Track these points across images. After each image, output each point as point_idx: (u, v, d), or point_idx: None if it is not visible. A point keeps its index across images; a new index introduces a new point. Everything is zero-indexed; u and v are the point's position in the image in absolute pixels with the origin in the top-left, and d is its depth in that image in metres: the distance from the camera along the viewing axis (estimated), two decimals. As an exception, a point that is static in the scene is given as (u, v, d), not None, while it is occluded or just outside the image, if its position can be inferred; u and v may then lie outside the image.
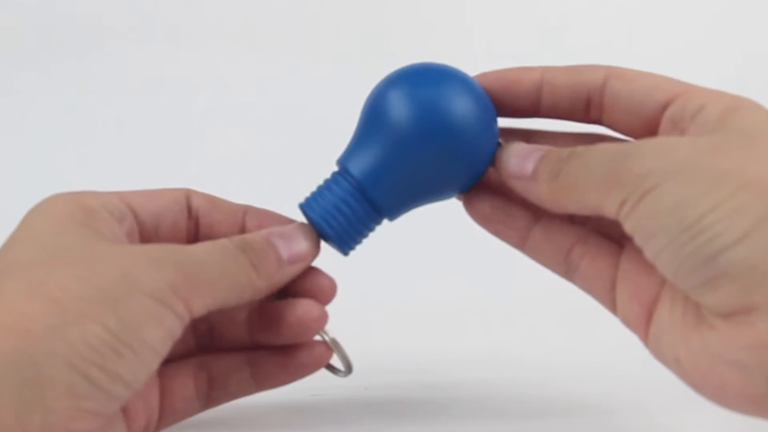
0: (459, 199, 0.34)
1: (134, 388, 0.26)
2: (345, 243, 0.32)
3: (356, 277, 0.33)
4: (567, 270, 0.32)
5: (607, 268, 0.31)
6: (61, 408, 0.24)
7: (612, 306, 0.31)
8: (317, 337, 0.33)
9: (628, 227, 0.27)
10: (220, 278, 0.29)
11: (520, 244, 0.33)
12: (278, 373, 0.33)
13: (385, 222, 0.32)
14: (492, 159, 0.32)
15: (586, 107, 0.31)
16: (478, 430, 0.34)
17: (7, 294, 0.26)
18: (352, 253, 0.33)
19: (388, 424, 0.34)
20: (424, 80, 0.31)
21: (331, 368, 0.34)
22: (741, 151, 0.26)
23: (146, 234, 0.32)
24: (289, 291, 0.32)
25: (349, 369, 0.34)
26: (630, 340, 0.30)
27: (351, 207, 0.31)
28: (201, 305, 0.28)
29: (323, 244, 0.32)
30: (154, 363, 0.27)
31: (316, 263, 0.32)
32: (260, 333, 0.33)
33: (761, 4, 0.82)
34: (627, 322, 0.30)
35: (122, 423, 0.29)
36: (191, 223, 0.33)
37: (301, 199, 0.32)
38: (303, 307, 0.32)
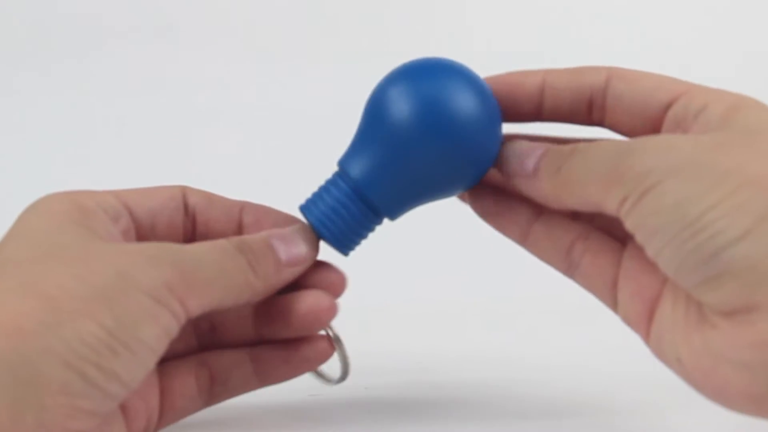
0: (459, 196, 0.34)
1: (131, 387, 0.26)
2: (343, 245, 0.32)
3: (356, 277, 0.33)
4: (568, 267, 0.32)
5: (608, 266, 0.31)
6: (56, 407, 0.24)
7: (613, 304, 0.31)
8: (321, 333, 0.33)
9: (629, 225, 0.27)
10: (217, 278, 0.28)
11: (522, 239, 0.33)
12: (281, 368, 0.33)
13: (386, 221, 0.32)
14: (496, 155, 0.31)
15: (588, 109, 0.31)
16: (479, 430, 0.34)
17: (1, 292, 0.26)
18: (352, 252, 0.33)
19: (388, 424, 0.34)
20: (422, 75, 0.30)
21: (320, 375, 0.34)
22: (744, 149, 0.26)
23: (143, 232, 0.31)
24: (298, 285, 0.32)
25: (344, 373, 0.33)
26: (631, 339, 0.30)
27: (348, 209, 0.31)
28: (197, 305, 0.28)
29: (323, 244, 0.32)
30: (151, 361, 0.27)
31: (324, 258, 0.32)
32: (267, 326, 0.33)
33: (761, 4, 0.82)
34: (628, 321, 0.30)
35: (121, 422, 0.29)
36: (188, 220, 0.32)
37: (301, 198, 0.32)
38: (314, 298, 0.32)
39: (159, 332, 0.26)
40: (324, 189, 0.32)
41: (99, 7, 0.75)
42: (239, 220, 0.33)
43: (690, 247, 0.25)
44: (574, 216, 0.32)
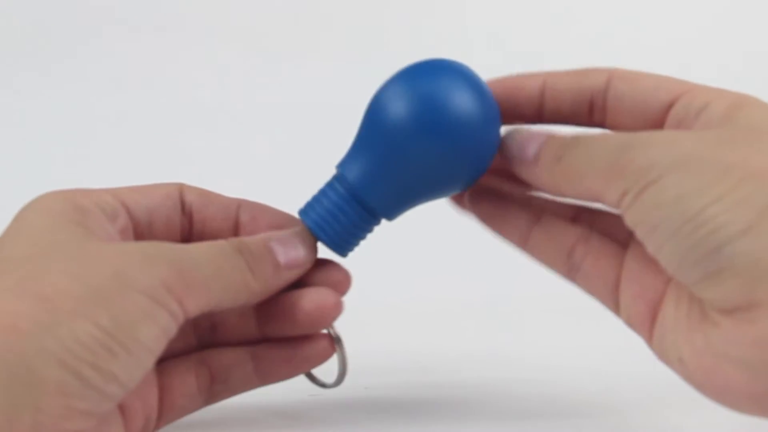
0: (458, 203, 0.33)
1: (128, 387, 0.26)
2: (341, 248, 0.32)
3: (356, 277, 0.33)
4: (569, 270, 0.32)
5: (610, 268, 0.30)
6: (52, 407, 0.24)
7: (615, 307, 0.30)
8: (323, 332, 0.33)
9: (629, 220, 0.27)
10: (215, 278, 0.28)
11: (522, 243, 0.32)
12: (282, 367, 0.33)
13: (386, 221, 0.32)
14: (494, 155, 0.31)
15: (589, 111, 0.31)
16: (479, 430, 0.34)
17: None
18: (352, 251, 0.33)
19: (388, 424, 0.34)
20: (418, 75, 0.30)
21: (313, 378, 0.34)
22: (746, 145, 0.26)
23: (140, 230, 0.31)
24: (304, 283, 0.32)
25: (341, 375, 0.33)
26: (631, 339, 0.30)
27: (345, 213, 0.31)
28: (195, 304, 0.28)
29: (322, 245, 0.32)
30: (149, 362, 0.27)
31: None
32: (271, 324, 0.33)
33: (762, 3, 0.82)
34: (631, 323, 0.30)
35: (119, 421, 0.29)
36: (185, 218, 0.32)
37: (299, 195, 0.32)
38: (320, 295, 0.32)
39: (157, 332, 0.26)
40: (322, 192, 0.32)
41: (96, 3, 0.75)
42: (236, 218, 0.33)
43: (691, 242, 0.25)
44: (574, 219, 0.32)
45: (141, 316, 0.26)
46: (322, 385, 0.34)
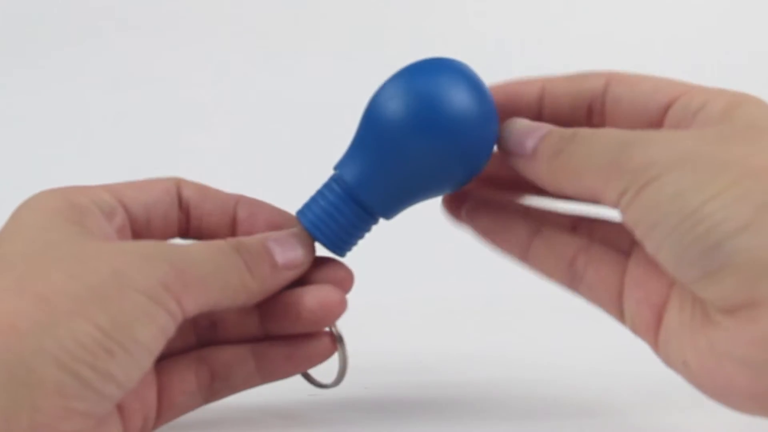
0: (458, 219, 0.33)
1: (127, 387, 0.26)
2: (339, 248, 0.32)
3: (356, 276, 0.33)
4: (572, 280, 0.31)
5: (613, 275, 0.30)
6: (50, 408, 0.24)
7: (619, 315, 0.30)
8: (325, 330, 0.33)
9: (628, 219, 0.27)
10: (213, 277, 0.28)
11: (522, 256, 0.32)
12: (283, 365, 0.33)
13: (384, 220, 0.32)
14: (492, 152, 0.31)
15: (588, 114, 0.31)
16: (479, 430, 0.34)
17: None
18: (352, 251, 0.33)
19: (388, 424, 0.34)
20: (415, 73, 0.30)
21: (310, 378, 0.34)
22: (744, 143, 0.26)
23: (137, 228, 0.31)
24: (306, 281, 0.32)
25: (341, 374, 0.33)
26: (632, 339, 0.30)
27: (342, 213, 0.31)
28: (194, 304, 0.27)
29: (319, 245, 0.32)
30: (147, 362, 0.26)
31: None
32: (274, 321, 0.32)
33: (762, 4, 0.82)
34: (636, 330, 0.30)
35: (117, 421, 0.28)
36: (182, 214, 0.32)
37: (297, 191, 0.32)
38: (323, 292, 0.31)
39: (155, 332, 0.26)
40: (319, 193, 0.32)
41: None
42: (233, 215, 0.33)
43: (689, 240, 0.25)
44: (573, 229, 0.32)
45: (139, 315, 0.26)
46: (320, 385, 0.34)
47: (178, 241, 0.33)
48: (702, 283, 0.25)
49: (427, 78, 0.30)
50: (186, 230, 0.33)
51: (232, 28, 0.77)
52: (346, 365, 0.33)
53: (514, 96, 0.32)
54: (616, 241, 0.31)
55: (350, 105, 0.32)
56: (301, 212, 0.32)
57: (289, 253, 0.31)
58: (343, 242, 0.32)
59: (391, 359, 0.44)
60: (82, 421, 0.25)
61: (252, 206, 0.33)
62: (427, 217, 0.34)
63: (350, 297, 0.32)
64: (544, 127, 0.30)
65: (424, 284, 0.55)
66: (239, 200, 0.33)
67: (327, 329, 0.33)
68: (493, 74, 0.32)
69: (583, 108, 0.31)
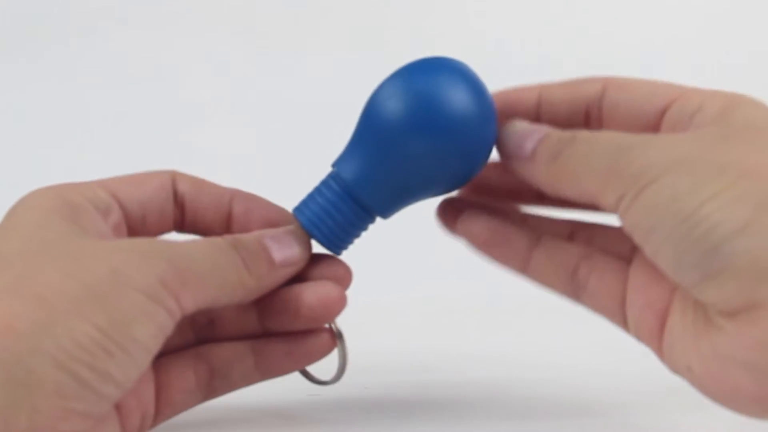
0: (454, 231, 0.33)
1: (125, 387, 0.26)
2: (336, 246, 0.32)
3: (356, 276, 0.33)
4: (575, 290, 0.31)
5: (616, 283, 0.30)
6: (49, 408, 0.24)
7: (623, 322, 0.30)
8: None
9: (627, 223, 0.27)
10: (210, 274, 0.28)
11: (523, 268, 0.32)
12: (283, 361, 0.32)
13: (381, 220, 0.32)
14: (490, 153, 0.31)
15: (585, 120, 0.31)
16: (479, 430, 0.34)
17: None
18: (351, 250, 0.33)
19: (388, 424, 0.34)
20: (413, 72, 0.30)
21: (308, 375, 0.34)
22: (741, 143, 0.26)
23: (133, 224, 0.31)
24: (304, 278, 0.32)
25: (341, 371, 0.33)
26: (633, 339, 0.30)
27: (340, 210, 0.31)
28: (192, 301, 0.27)
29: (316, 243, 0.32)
30: (146, 361, 0.26)
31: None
32: (273, 318, 0.32)
33: (762, 3, 0.82)
34: (640, 336, 0.30)
35: (115, 420, 0.28)
36: (177, 209, 0.32)
37: (295, 187, 0.32)
38: (323, 288, 0.31)
39: (154, 330, 0.26)
40: (316, 190, 0.32)
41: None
42: (229, 210, 0.33)
43: (688, 243, 0.25)
44: (571, 237, 0.32)
45: (138, 314, 0.26)
46: (320, 382, 0.34)
47: (174, 235, 0.33)
48: (702, 287, 0.25)
49: (427, 77, 0.30)
50: (181, 225, 0.33)
51: (231, 25, 0.77)
52: (346, 361, 0.33)
53: (512, 103, 0.32)
54: (616, 248, 0.31)
55: (349, 104, 0.32)
56: (298, 209, 0.32)
57: (286, 251, 0.31)
58: (340, 240, 0.32)
59: (391, 359, 0.44)
60: (81, 422, 0.25)
61: (248, 201, 0.33)
62: (427, 216, 0.34)
63: (350, 296, 0.32)
64: (543, 130, 0.30)
65: (424, 284, 0.55)
66: (235, 195, 0.33)
67: (326, 325, 0.33)
68: (493, 74, 0.32)
69: (580, 114, 0.31)
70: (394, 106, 0.30)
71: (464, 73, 0.31)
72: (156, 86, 0.73)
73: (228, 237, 0.30)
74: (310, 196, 0.32)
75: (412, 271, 0.56)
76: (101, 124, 0.73)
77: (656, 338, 0.29)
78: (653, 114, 0.30)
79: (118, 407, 0.29)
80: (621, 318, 0.30)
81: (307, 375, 0.34)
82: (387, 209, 0.32)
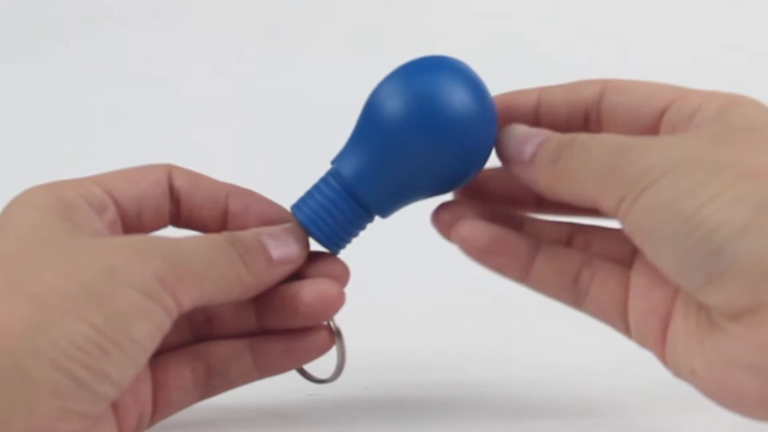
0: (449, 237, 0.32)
1: (122, 386, 0.26)
2: (334, 244, 0.32)
3: (355, 275, 0.33)
4: (576, 297, 0.31)
5: (618, 288, 0.30)
6: (46, 409, 0.24)
7: (625, 328, 0.30)
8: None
9: (627, 226, 0.27)
10: (208, 271, 0.28)
11: (524, 276, 0.32)
12: (281, 359, 0.32)
13: (380, 219, 0.32)
14: (490, 153, 0.31)
15: (584, 123, 0.31)
16: (479, 430, 0.34)
17: None
18: (351, 249, 0.33)
19: (388, 424, 0.34)
20: (414, 71, 0.30)
21: (306, 374, 0.34)
22: (740, 144, 0.26)
23: (129, 221, 0.31)
24: (302, 276, 0.32)
25: (339, 369, 0.33)
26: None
27: (339, 208, 0.31)
28: (189, 298, 0.27)
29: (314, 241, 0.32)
30: (143, 359, 0.26)
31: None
32: (271, 316, 0.32)
33: (762, 3, 0.82)
34: (643, 342, 0.30)
35: (112, 419, 0.28)
36: (173, 205, 0.32)
37: (294, 184, 0.32)
38: (322, 286, 0.31)
39: (151, 329, 0.26)
40: (315, 188, 0.32)
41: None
42: (225, 207, 0.32)
43: (689, 245, 0.25)
44: (569, 242, 0.32)
45: (135, 312, 0.26)
46: (318, 380, 0.34)
47: (170, 230, 0.33)
48: (705, 289, 0.25)
49: (426, 76, 0.30)
50: (177, 221, 0.32)
51: (231, 25, 0.77)
52: (345, 359, 0.33)
53: (511, 106, 0.32)
54: (616, 253, 0.31)
55: (349, 103, 0.32)
56: (296, 206, 0.32)
57: (284, 248, 0.31)
58: (338, 239, 0.32)
59: (391, 358, 0.44)
60: (78, 422, 0.25)
61: (244, 198, 0.33)
62: (426, 216, 0.34)
63: (349, 296, 0.32)
64: (543, 133, 0.30)
65: (424, 284, 0.55)
66: (231, 191, 0.33)
67: (325, 323, 0.33)
68: (493, 74, 0.32)
69: (579, 116, 0.31)
70: (394, 104, 0.30)
71: (465, 72, 0.31)
72: (156, 86, 0.73)
73: (226, 233, 0.30)
74: (309, 194, 0.32)
75: (412, 270, 0.56)
76: (101, 123, 0.73)
77: (659, 343, 0.29)
78: (652, 116, 0.30)
79: (115, 406, 0.28)
80: (623, 324, 0.30)
81: (305, 373, 0.34)
82: (386, 207, 0.32)
